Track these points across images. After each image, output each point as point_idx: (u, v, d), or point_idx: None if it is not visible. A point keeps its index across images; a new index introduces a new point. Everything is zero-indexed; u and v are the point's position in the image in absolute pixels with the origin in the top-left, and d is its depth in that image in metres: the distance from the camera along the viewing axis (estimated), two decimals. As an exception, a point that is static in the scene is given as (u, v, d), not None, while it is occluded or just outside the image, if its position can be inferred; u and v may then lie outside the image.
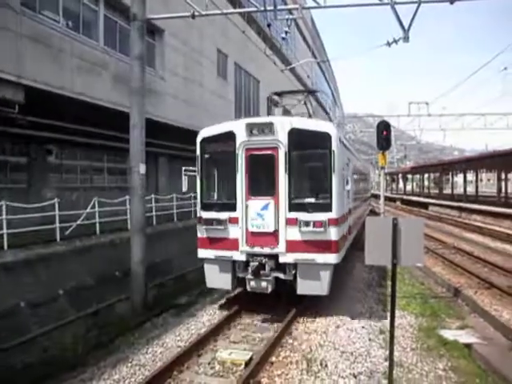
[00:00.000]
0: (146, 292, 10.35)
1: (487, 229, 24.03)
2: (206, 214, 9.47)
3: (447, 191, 48.76)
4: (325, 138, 8.95)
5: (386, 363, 6.21)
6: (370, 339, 7.84)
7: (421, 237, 5.45)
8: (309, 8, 12.51)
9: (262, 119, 9.70)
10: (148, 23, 11.57)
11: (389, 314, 6.34)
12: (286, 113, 13.65)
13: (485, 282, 11.97)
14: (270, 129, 9.04)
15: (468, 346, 7.47)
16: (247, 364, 6.73)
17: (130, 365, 6.99)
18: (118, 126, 13.13)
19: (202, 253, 9.57)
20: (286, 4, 32.76)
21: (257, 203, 9.06)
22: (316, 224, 8.72)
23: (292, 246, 8.87)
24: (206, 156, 9.80)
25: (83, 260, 11.18)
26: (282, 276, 8.98)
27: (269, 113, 34.37)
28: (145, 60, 10.66)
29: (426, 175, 61.89)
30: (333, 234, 8.78)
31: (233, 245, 9.20)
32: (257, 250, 9.05)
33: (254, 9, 11.66)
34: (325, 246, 8.77)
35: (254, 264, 8.89)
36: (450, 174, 50.17)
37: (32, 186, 13.88)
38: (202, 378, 6.55)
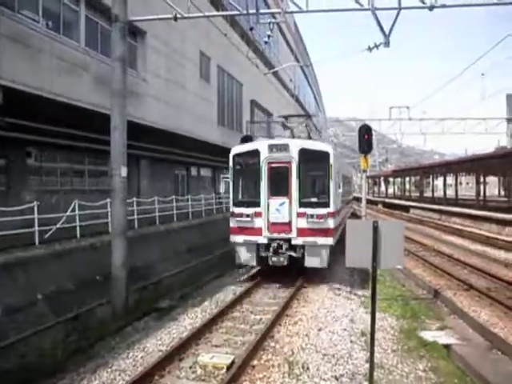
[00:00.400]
0: (127, 296, 10.23)
1: (467, 231, 24.47)
2: (237, 210, 12.56)
3: (428, 194, 49.51)
4: (325, 155, 12.23)
5: (368, 365, 6.25)
6: (351, 341, 7.89)
7: (401, 239, 5.52)
8: (291, 12, 12.54)
9: (281, 141, 12.96)
10: (130, 25, 11.47)
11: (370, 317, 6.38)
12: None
13: (464, 284, 12.18)
14: (286, 148, 12.23)
15: (447, 346, 7.58)
16: (229, 368, 6.70)
17: (110, 370, 6.88)
18: (99, 127, 12.97)
19: (234, 238, 12.61)
20: (268, 8, 32.90)
21: (276, 201, 12.23)
22: (318, 216, 11.84)
23: (301, 232, 11.98)
24: (238, 167, 13.00)
25: (63, 264, 11.00)
26: (293, 254, 12.02)
27: (252, 116, 34.84)
28: (126, 62, 10.57)
29: (407, 178, 62.76)
30: (330, 223, 11.96)
31: (257, 232, 12.25)
32: (275, 235, 12.13)
33: (237, 12, 11.68)
34: (324, 232, 11.91)
35: (274, 245, 12.01)
36: (431, 177, 50.97)
37: (11, 189, 13.62)
38: (184, 382, 6.50)
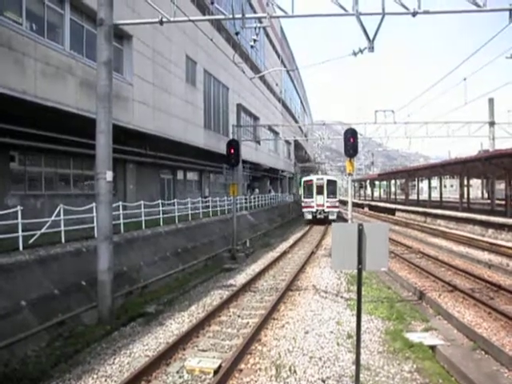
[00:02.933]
0: (113, 301, 10.14)
1: (451, 233, 24.76)
2: (305, 199, 36.20)
3: (413, 197, 50.02)
4: (335, 181, 37.73)
5: (354, 367, 6.29)
6: (338, 344, 7.94)
7: (386, 242, 5.56)
8: (277, 17, 12.62)
9: (321, 176, 41.90)
10: (116, 28, 11.42)
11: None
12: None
13: (449, 285, 12.32)
14: (322, 179, 36.73)
15: (432, 347, 7.66)
16: (216, 372, 6.69)
17: (95, 376, 6.82)
18: (84, 131, 12.88)
19: (304, 210, 36.55)
20: (254, 12, 33.05)
21: (319, 196, 35.23)
22: (333, 201, 35.56)
23: (328, 207, 35.15)
24: (304, 185, 36.62)
25: (48, 269, 10.84)
26: (325, 214, 35.03)
27: (238, 119, 35.90)
28: (112, 65, 10.50)
29: (393, 181, 63.33)
30: (337, 203, 36.48)
31: (312, 207, 35.47)
32: (319, 208, 35.28)
33: (223, 16, 11.70)
34: (336, 207, 36.00)
35: (319, 211, 35.27)
36: (416, 180, 51.52)
37: (-7, 194, 13.41)
38: (171, 387, 6.46)
